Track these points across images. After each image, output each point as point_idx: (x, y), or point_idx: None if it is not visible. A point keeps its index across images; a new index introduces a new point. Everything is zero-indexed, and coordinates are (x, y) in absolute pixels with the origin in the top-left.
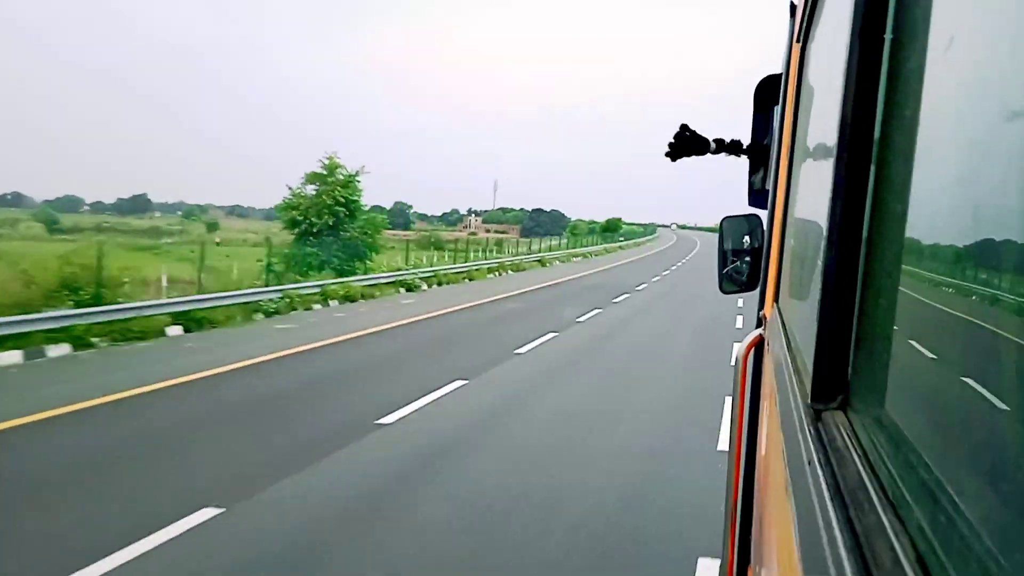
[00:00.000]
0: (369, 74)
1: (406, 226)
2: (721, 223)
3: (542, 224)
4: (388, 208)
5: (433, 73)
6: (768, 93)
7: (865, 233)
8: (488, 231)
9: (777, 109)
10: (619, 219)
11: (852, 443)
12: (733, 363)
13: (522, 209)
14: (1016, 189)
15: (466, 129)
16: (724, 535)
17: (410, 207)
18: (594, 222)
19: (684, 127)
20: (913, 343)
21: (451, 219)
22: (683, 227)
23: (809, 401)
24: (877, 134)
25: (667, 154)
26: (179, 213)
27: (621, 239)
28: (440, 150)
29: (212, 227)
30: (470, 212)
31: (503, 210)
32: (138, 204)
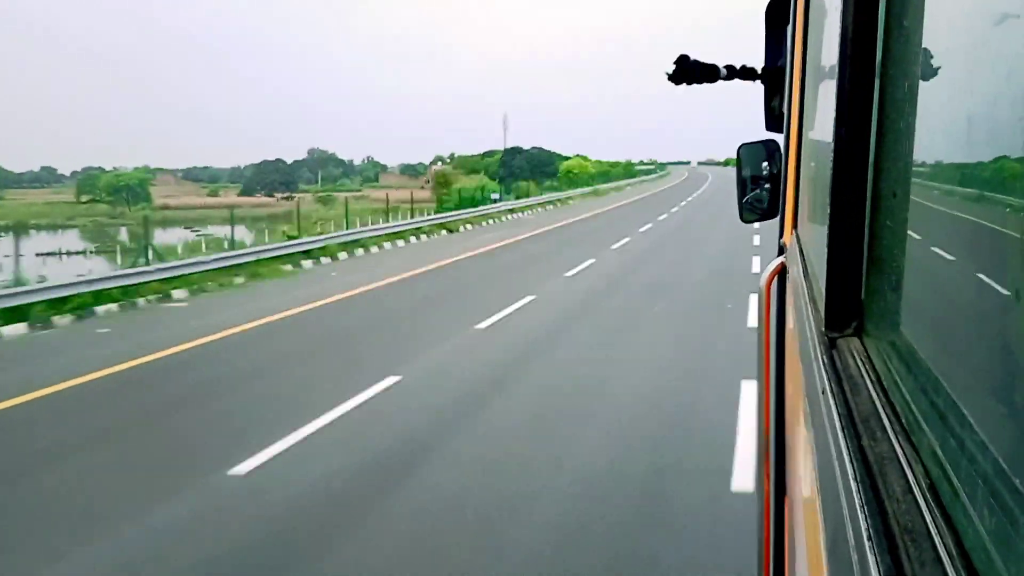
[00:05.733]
0: (373, 44)
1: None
2: (738, 150)
3: (518, 168)
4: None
5: (432, 36)
6: (780, 11)
7: (872, 153)
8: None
9: (789, 28)
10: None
11: (866, 370)
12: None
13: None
14: (1022, 101)
15: (481, 81)
16: (758, 465)
17: (330, 154)
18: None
19: (683, 57)
20: (926, 264)
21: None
22: (702, 163)
23: (823, 329)
24: (880, 50)
25: (670, 78)
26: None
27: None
28: (449, 100)
29: None
30: (435, 161)
31: (487, 154)
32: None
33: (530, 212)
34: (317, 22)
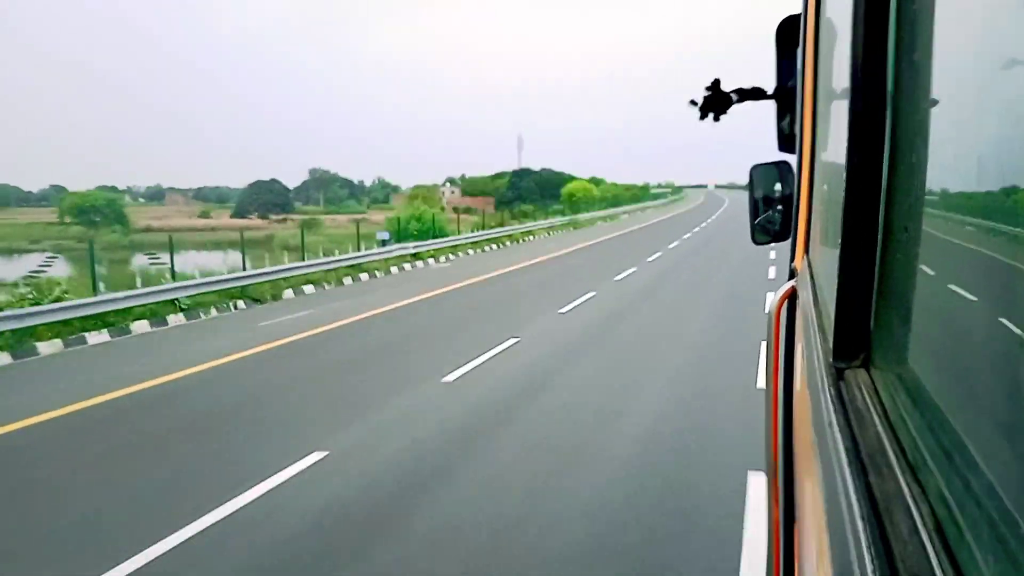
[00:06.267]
0: (388, 66)
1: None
2: (751, 172)
3: (527, 191)
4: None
5: (449, 58)
6: (790, 33)
7: (884, 184)
8: (454, 208)
9: (799, 50)
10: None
11: (873, 403)
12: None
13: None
14: None
15: (502, 103)
16: (768, 496)
17: (332, 174)
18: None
19: (714, 83)
20: (936, 298)
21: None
22: (720, 187)
23: (831, 359)
24: (890, 79)
25: (701, 116)
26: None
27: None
28: (470, 124)
29: None
30: (446, 182)
31: (498, 175)
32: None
33: (450, 257)
34: (334, 44)
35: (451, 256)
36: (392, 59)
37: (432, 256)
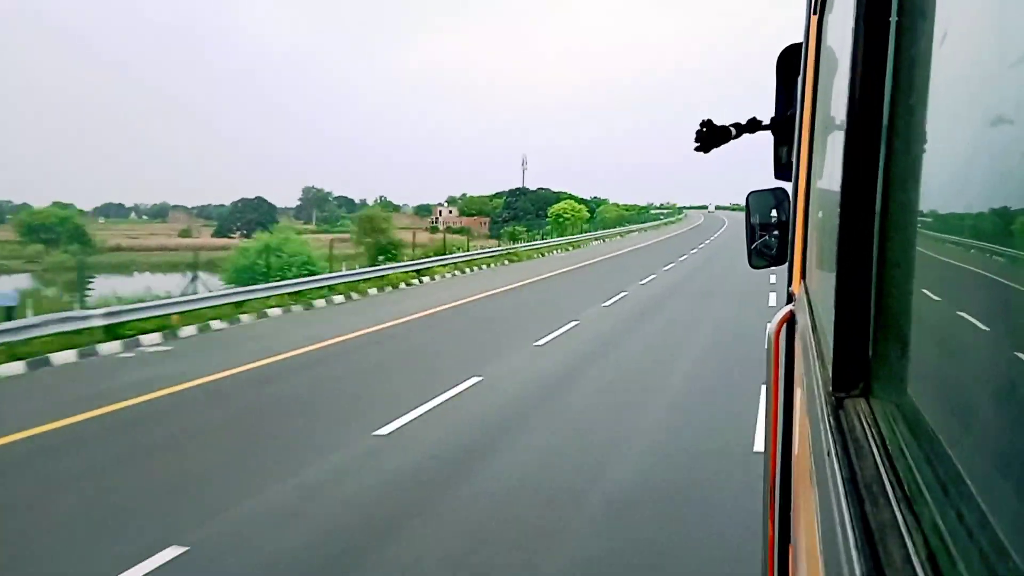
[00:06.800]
0: (402, 83)
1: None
2: (747, 198)
3: (522, 210)
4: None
5: (458, 77)
6: (791, 63)
7: (878, 212)
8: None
9: (799, 79)
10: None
11: (872, 433)
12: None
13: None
14: None
15: (509, 123)
16: (763, 517)
17: (325, 192)
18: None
19: (705, 123)
20: (934, 326)
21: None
22: (721, 207)
23: (830, 389)
24: (887, 108)
25: (697, 148)
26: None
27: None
28: (477, 143)
29: None
30: (445, 201)
31: (496, 195)
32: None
33: (213, 325)
34: (342, 63)
35: (219, 324)
36: (407, 77)
37: (161, 328)
